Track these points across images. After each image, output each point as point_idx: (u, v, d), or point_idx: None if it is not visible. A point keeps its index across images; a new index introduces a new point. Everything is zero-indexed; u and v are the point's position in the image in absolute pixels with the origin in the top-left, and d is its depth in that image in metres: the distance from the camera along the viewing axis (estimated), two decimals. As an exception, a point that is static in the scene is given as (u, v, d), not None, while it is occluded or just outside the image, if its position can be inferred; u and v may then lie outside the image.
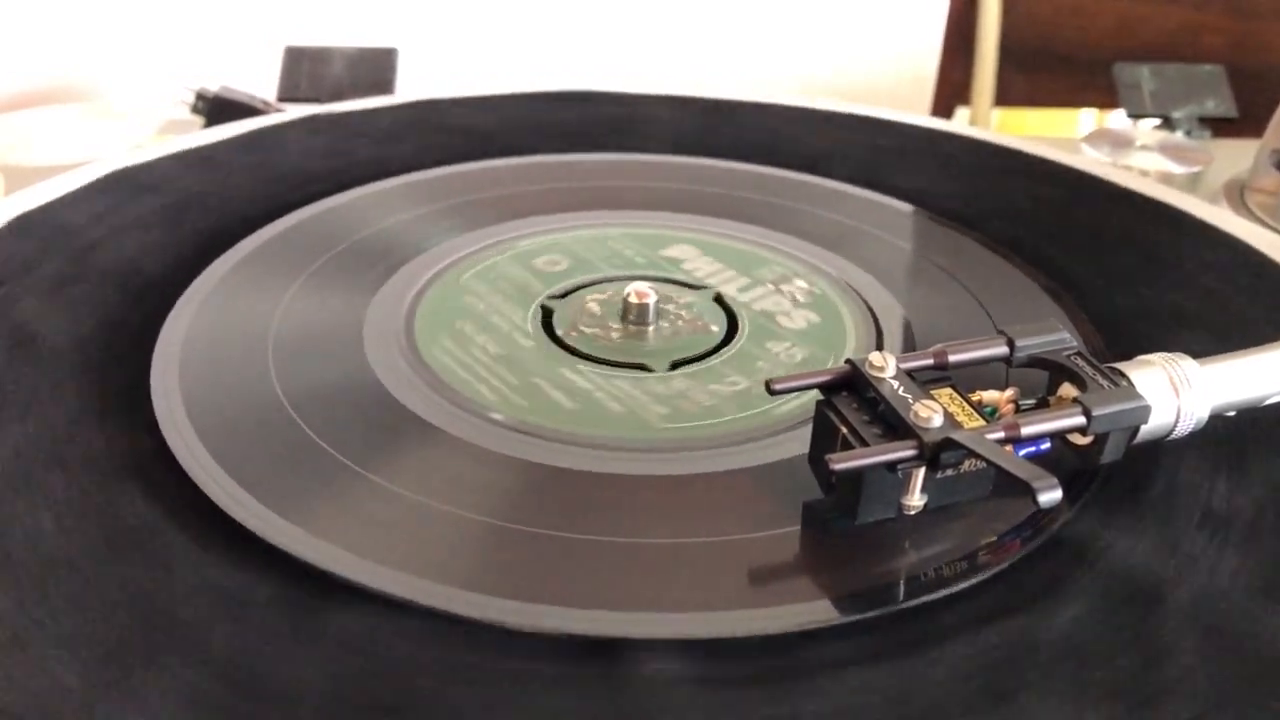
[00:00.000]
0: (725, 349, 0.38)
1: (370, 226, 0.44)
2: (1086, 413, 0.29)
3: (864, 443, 0.28)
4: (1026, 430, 0.28)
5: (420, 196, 0.47)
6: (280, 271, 0.40)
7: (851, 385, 0.30)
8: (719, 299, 0.41)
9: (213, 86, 0.61)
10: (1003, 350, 0.31)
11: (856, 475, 0.28)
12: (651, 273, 0.42)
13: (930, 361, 0.31)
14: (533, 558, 0.28)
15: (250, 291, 0.39)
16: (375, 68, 0.65)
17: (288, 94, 0.64)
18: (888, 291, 0.41)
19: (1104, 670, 0.25)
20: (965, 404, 0.30)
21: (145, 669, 0.24)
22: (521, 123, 0.55)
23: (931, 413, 0.28)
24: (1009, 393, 0.31)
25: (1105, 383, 0.30)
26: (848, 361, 0.30)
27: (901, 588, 0.28)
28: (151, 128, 0.62)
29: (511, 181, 0.49)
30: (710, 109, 0.58)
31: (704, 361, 0.37)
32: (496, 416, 0.33)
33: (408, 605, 0.26)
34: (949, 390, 0.30)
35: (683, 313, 0.40)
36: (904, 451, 0.27)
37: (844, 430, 0.29)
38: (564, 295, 0.40)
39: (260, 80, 0.66)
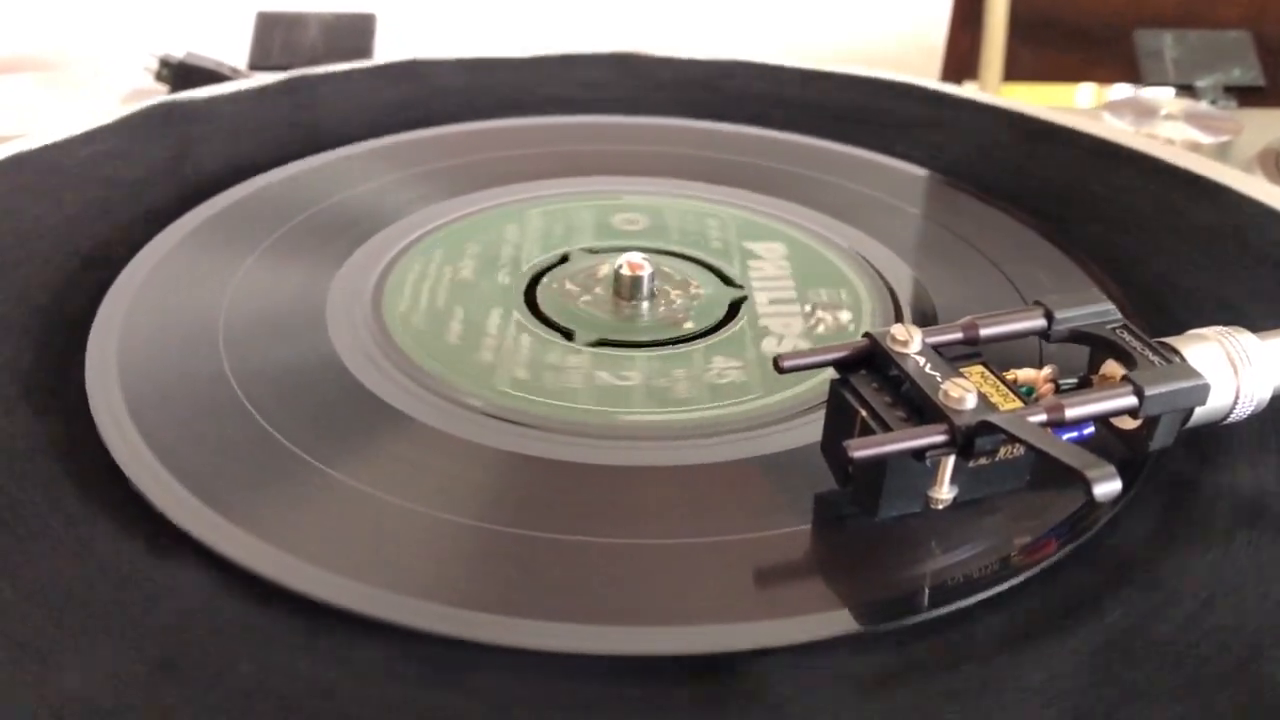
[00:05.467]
0: (724, 329, 0.34)
1: (335, 194, 0.40)
2: (1138, 392, 0.25)
3: (886, 427, 0.24)
4: (1071, 412, 0.25)
5: (393, 161, 0.43)
6: (235, 243, 0.37)
7: (870, 362, 0.26)
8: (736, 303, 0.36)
9: (178, 53, 0.57)
10: (1039, 323, 0.28)
11: (878, 464, 0.24)
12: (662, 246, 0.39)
13: (959, 335, 0.27)
14: (515, 563, 0.25)
15: (201, 265, 0.35)
16: (352, 33, 0.61)
17: (260, 61, 0.60)
18: (910, 267, 0.38)
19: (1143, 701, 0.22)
20: (999, 383, 0.26)
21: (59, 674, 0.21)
22: (506, 85, 0.52)
23: (964, 392, 0.24)
24: (1047, 370, 0.27)
25: (1156, 359, 0.27)
26: (866, 335, 0.26)
27: (927, 594, 0.24)
28: (115, 96, 0.58)
29: (495, 145, 0.45)
30: (718, 73, 0.54)
31: (703, 340, 0.33)
32: (474, 403, 0.30)
33: (371, 621, 0.23)
34: (980, 368, 0.27)
35: (678, 292, 0.36)
36: (934, 436, 0.24)
37: (863, 413, 0.25)
38: (551, 268, 0.37)
39: (232, 48, 0.62)
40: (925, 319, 0.34)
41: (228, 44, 0.63)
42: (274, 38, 0.61)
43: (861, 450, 0.23)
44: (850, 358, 0.26)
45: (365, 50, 0.61)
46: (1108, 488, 0.21)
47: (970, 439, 0.24)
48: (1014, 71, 0.92)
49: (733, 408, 0.30)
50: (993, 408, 0.25)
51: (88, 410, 0.29)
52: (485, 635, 0.22)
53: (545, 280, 0.36)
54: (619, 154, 0.45)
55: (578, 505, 0.26)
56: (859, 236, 0.39)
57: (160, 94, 0.56)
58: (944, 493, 0.25)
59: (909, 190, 0.43)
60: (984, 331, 0.27)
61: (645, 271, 0.35)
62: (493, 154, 0.45)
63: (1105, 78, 0.90)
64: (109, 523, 0.25)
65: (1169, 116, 0.59)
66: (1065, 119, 0.49)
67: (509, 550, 0.25)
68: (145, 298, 0.33)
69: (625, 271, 0.35)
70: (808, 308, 0.35)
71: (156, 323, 0.32)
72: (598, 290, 0.35)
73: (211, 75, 0.55)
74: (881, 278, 0.37)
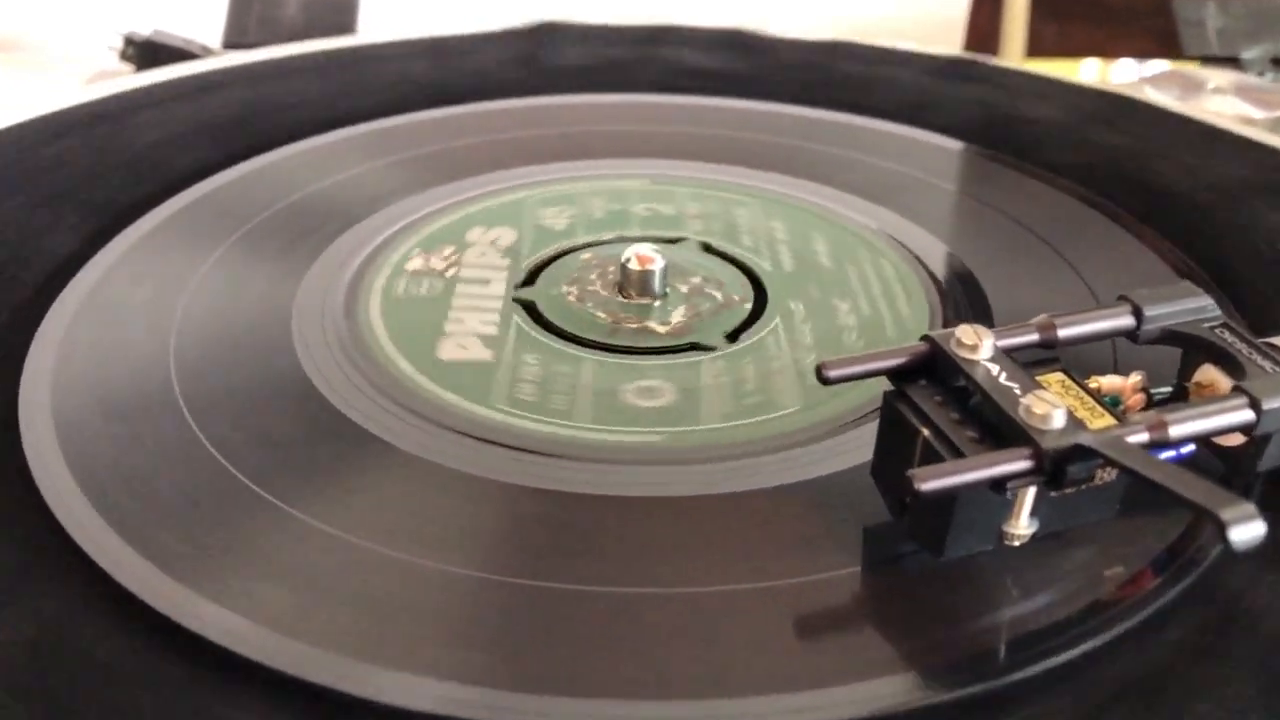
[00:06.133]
0: (748, 332, 0.30)
1: (304, 187, 0.36)
2: (1254, 405, 0.21)
3: (955, 450, 0.20)
4: (1176, 430, 0.20)
5: (369, 149, 0.39)
6: (190, 247, 0.32)
7: (931, 370, 0.22)
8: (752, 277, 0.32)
9: (145, 30, 0.53)
10: (1126, 322, 0.24)
11: (948, 497, 0.20)
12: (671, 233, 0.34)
13: (1034, 337, 0.23)
14: (523, 623, 0.20)
15: (151, 273, 0.31)
16: (334, 8, 0.56)
17: (235, 38, 0.56)
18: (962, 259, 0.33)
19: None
20: (1083, 394, 0.22)
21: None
22: (494, 63, 0.47)
23: (1049, 408, 0.20)
24: (1135, 378, 0.23)
25: (1268, 364, 0.23)
26: (925, 338, 0.22)
27: (1004, 652, 0.20)
28: (80, 78, 0.54)
29: (484, 128, 0.41)
30: (733, 43, 0.50)
31: (727, 345, 0.29)
32: (467, 426, 0.25)
33: (350, 701, 0.19)
34: (1060, 375, 0.22)
35: (703, 285, 0.32)
36: (1016, 463, 0.20)
37: (925, 432, 0.21)
38: (550, 263, 0.33)
39: (206, 25, 0.58)
40: (979, 315, 0.30)
41: (202, 21, 0.58)
42: (250, 13, 0.57)
43: (930, 482, 0.19)
44: (907, 365, 0.22)
45: (348, 26, 0.56)
46: (1248, 532, 0.17)
47: (1061, 465, 0.20)
48: (1036, 47, 0.88)
49: (764, 425, 0.26)
50: (1083, 426, 0.20)
51: (19, 443, 0.24)
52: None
53: (544, 278, 0.32)
54: (623, 135, 0.41)
55: (587, 546, 0.22)
56: (898, 222, 0.35)
57: (126, 74, 0.52)
58: (1022, 528, 0.21)
59: (951, 170, 0.39)
60: (1063, 332, 0.23)
61: (656, 265, 0.31)
62: (481, 138, 0.40)
63: (1130, 52, 0.86)
64: (40, 570, 0.21)
65: (1217, 90, 0.55)
66: (1124, 91, 0.44)
67: (513, 605, 0.21)
68: (88, 314, 0.29)
69: (634, 266, 0.30)
70: (845, 305, 0.30)
71: (99, 341, 0.28)
72: (603, 289, 0.31)
73: (181, 54, 0.51)
74: (926, 268, 0.32)
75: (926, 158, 0.40)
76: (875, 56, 0.49)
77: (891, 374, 0.22)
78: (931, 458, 0.21)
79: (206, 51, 0.52)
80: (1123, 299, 0.24)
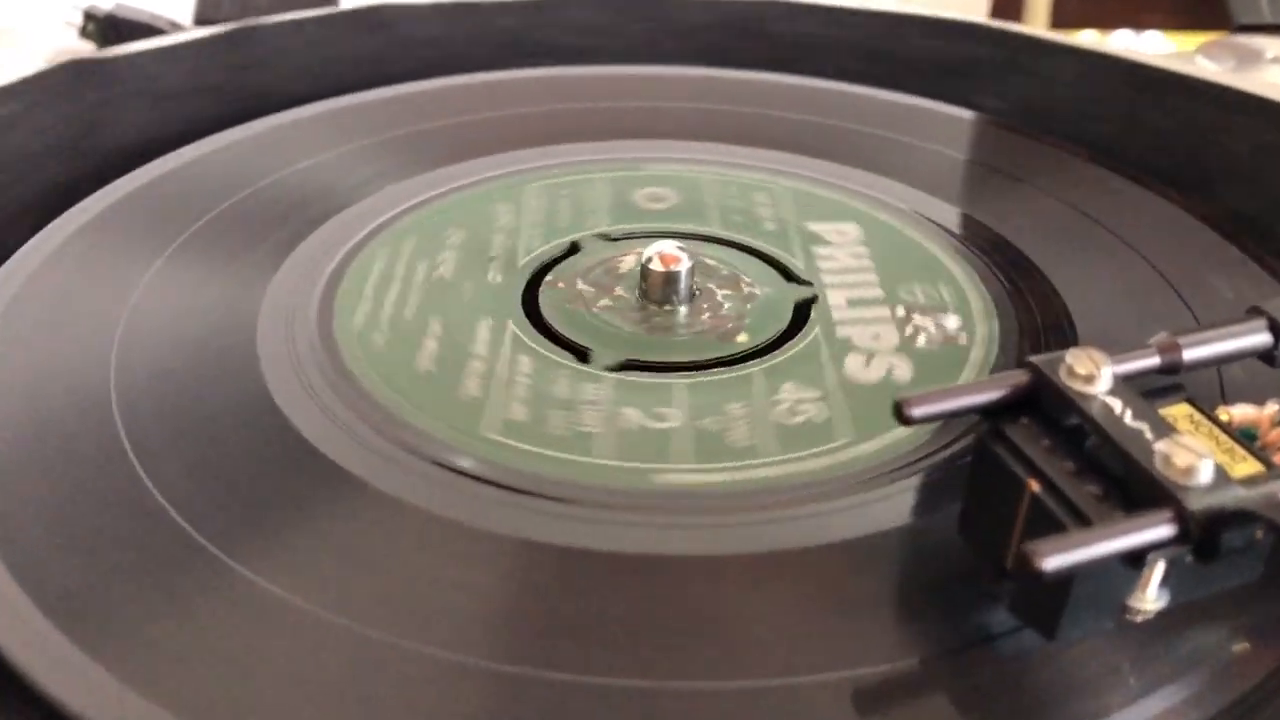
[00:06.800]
0: (791, 344, 0.25)
1: (274, 171, 0.32)
2: None
3: (1074, 512, 0.16)
4: (1350, 481, 0.16)
5: (349, 127, 0.35)
6: (140, 240, 0.28)
7: (1036, 404, 0.18)
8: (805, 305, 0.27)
9: (106, 4, 0.48)
10: (1262, 339, 0.20)
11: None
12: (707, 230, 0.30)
13: (1155, 361, 0.19)
14: None
15: (93, 272, 0.27)
16: (315, -21, 0.52)
17: (208, 14, 0.51)
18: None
19: None
20: (1214, 428, 0.18)
21: None
22: (493, 32, 0.43)
23: (1193, 458, 0.16)
24: (1273, 407, 0.19)
25: None
26: (1027, 365, 0.18)
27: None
28: (35, 57, 0.49)
29: (480, 104, 0.37)
30: (752, 14, 0.45)
31: (763, 358, 0.25)
32: (463, 463, 0.21)
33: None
34: (1187, 408, 0.18)
35: (731, 285, 0.28)
36: (1157, 530, 0.16)
37: (1035, 488, 0.17)
38: (556, 262, 0.28)
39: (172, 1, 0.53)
40: (1057, 324, 0.26)
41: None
42: (223, -14, 0.52)
43: (1053, 558, 0.15)
44: (1006, 399, 0.18)
45: (330, -1, 0.52)
46: None
47: (1213, 532, 0.16)
48: (1061, 18, 0.84)
49: (813, 459, 0.22)
50: (1230, 480, 0.16)
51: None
52: None
53: (549, 279, 0.28)
54: (638, 112, 0.37)
55: (599, 620, 0.18)
56: (949, 211, 0.31)
57: (86, 53, 0.47)
58: (1150, 602, 0.17)
59: (1005, 154, 0.35)
60: (1189, 354, 0.19)
61: (683, 266, 0.26)
62: (477, 116, 0.36)
63: (1166, 23, 0.82)
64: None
65: (1277, 59, 0.50)
66: (1181, 66, 0.40)
67: (515, 700, 0.17)
68: (12, 323, 0.25)
69: (656, 266, 0.26)
70: (900, 311, 0.26)
71: (20, 358, 0.24)
72: (619, 291, 0.27)
73: (146, 30, 0.47)
74: (990, 267, 0.28)
75: (985, 145, 0.35)
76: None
77: (985, 411, 0.18)
78: (1042, 518, 0.17)
79: (175, 27, 0.47)
80: (1255, 311, 0.20)
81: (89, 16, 0.48)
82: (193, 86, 0.38)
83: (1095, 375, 0.17)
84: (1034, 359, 0.18)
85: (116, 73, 0.38)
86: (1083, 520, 0.16)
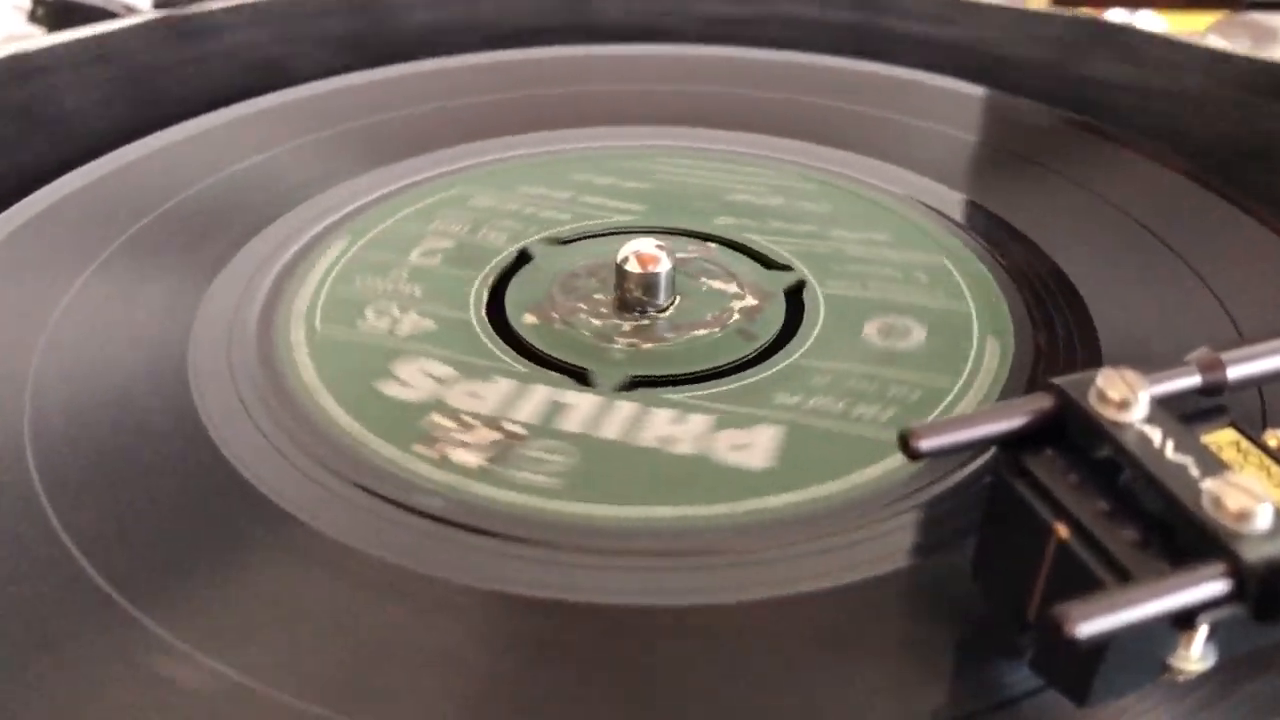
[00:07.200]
0: (779, 355, 0.23)
1: (210, 174, 0.29)
2: None
3: (1109, 562, 0.14)
4: None
5: (291, 123, 0.32)
6: (62, 255, 0.25)
7: (1060, 432, 0.16)
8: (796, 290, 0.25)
9: (58, -14, 0.45)
10: (1314, 352, 0.17)
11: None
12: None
13: (1195, 381, 0.17)
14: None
15: (9, 292, 0.24)
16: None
17: (167, -3, 0.49)
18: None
19: None
20: (1264, 457, 0.16)
21: None
22: (449, 14, 0.40)
23: (1249, 501, 0.14)
24: (1327, 430, 0.17)
25: None
26: (1052, 387, 0.16)
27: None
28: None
29: (431, 93, 0.34)
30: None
31: (755, 374, 0.23)
32: (431, 501, 0.19)
33: None
34: (1231, 432, 0.16)
35: (717, 285, 0.25)
36: (1208, 587, 0.13)
37: (1061, 533, 0.15)
38: (521, 266, 0.26)
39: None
40: (1082, 331, 0.23)
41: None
42: (185, -33, 0.49)
43: (1089, 623, 0.13)
44: (1028, 428, 0.16)
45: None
46: None
47: (1274, 586, 0.13)
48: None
49: (819, 489, 0.19)
50: (1289, 519, 0.14)
51: None
52: None
53: (515, 287, 0.25)
54: (605, 97, 0.34)
55: (608, 693, 0.16)
56: (951, 197, 0.29)
57: (37, 38, 0.45)
58: (1194, 660, 0.15)
59: (1018, 134, 0.32)
60: (1233, 373, 0.17)
61: (662, 266, 0.24)
62: (427, 106, 0.33)
63: (1153, 2, 0.79)
64: None
65: (1292, 36, 0.48)
66: (1208, 42, 0.38)
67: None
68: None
69: (633, 268, 0.24)
70: (905, 318, 0.24)
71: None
72: (594, 297, 0.25)
73: (100, 13, 0.44)
74: (997, 259, 0.26)
75: (996, 123, 0.33)
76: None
77: (1003, 441, 0.16)
78: (1071, 568, 0.14)
79: (129, 11, 0.45)
80: (1305, 320, 0.17)
81: (37, 1, 0.45)
82: (127, 80, 0.35)
83: (1130, 400, 0.15)
84: (1058, 381, 0.16)
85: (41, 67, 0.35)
86: (1120, 573, 0.14)
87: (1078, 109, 0.34)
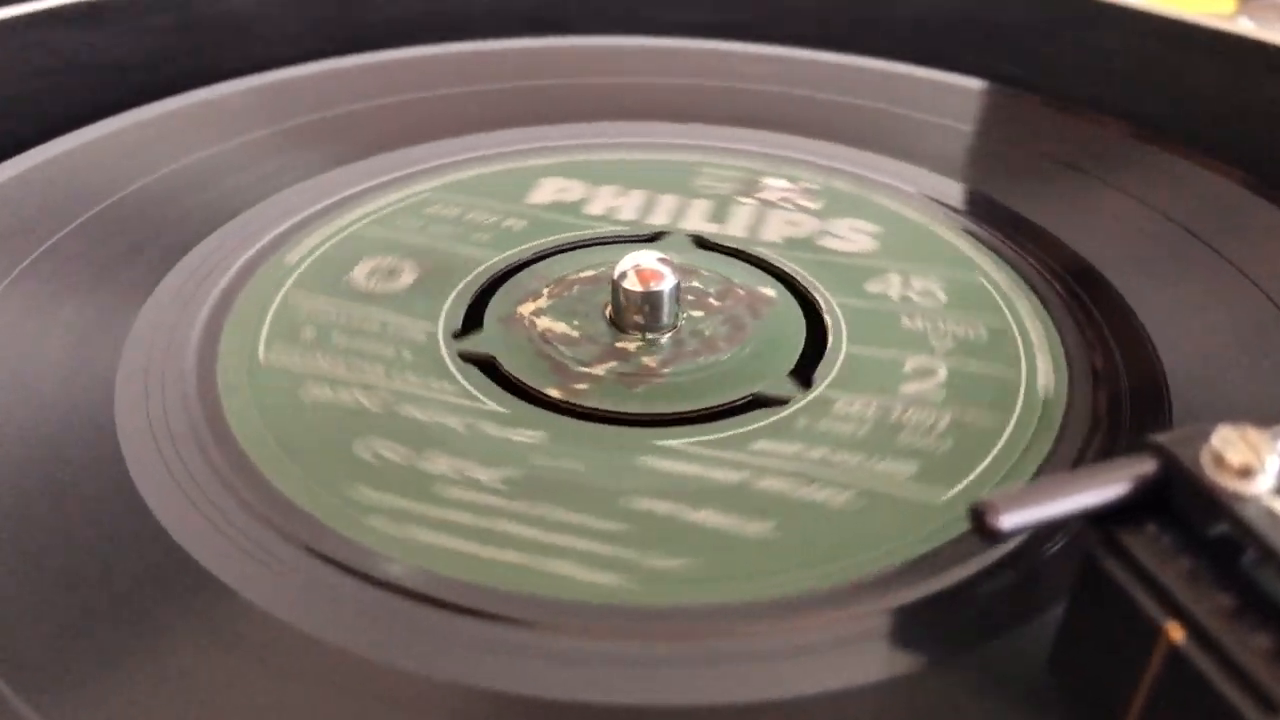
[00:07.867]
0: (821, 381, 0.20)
1: (146, 174, 0.26)
2: None
3: (1238, 674, 0.11)
4: None
5: (239, 117, 0.29)
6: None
7: (1163, 502, 0.13)
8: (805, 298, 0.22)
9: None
10: None
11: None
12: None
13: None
14: None
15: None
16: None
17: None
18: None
19: None
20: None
21: None
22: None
23: None
24: None
25: None
26: (1155, 449, 0.13)
27: None
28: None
29: (400, 84, 0.31)
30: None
31: (782, 409, 0.20)
32: (393, 569, 0.16)
33: None
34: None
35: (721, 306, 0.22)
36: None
37: (1176, 637, 0.12)
38: (501, 282, 0.23)
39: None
40: (1139, 365, 0.21)
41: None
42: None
43: None
44: (1128, 498, 0.13)
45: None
46: None
47: None
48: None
49: (867, 549, 0.16)
50: None
51: None
52: None
53: (492, 311, 0.22)
54: (589, 91, 0.31)
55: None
56: (971, 192, 0.26)
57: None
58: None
59: (1044, 132, 0.29)
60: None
61: (665, 284, 0.21)
62: (394, 98, 0.30)
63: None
64: None
65: (1324, 21, 0.45)
66: (1228, 26, 0.35)
67: None
68: None
69: (632, 285, 0.21)
70: (925, 356, 0.21)
71: None
72: (586, 320, 0.22)
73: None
74: (1039, 267, 0.23)
75: (1014, 122, 0.30)
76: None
77: (1096, 517, 0.13)
78: (1186, 679, 0.12)
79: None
80: None
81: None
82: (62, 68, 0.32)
83: (1254, 467, 0.12)
84: (1162, 439, 0.13)
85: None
86: (1256, 694, 0.11)
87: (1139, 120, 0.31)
